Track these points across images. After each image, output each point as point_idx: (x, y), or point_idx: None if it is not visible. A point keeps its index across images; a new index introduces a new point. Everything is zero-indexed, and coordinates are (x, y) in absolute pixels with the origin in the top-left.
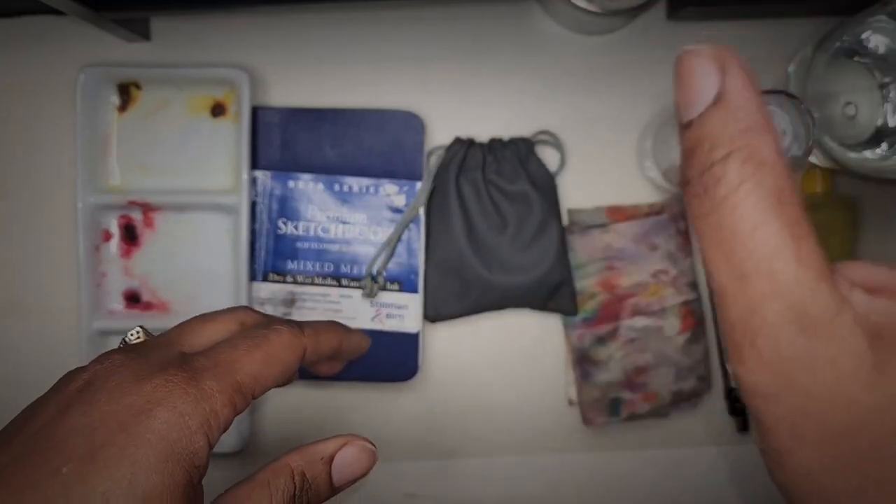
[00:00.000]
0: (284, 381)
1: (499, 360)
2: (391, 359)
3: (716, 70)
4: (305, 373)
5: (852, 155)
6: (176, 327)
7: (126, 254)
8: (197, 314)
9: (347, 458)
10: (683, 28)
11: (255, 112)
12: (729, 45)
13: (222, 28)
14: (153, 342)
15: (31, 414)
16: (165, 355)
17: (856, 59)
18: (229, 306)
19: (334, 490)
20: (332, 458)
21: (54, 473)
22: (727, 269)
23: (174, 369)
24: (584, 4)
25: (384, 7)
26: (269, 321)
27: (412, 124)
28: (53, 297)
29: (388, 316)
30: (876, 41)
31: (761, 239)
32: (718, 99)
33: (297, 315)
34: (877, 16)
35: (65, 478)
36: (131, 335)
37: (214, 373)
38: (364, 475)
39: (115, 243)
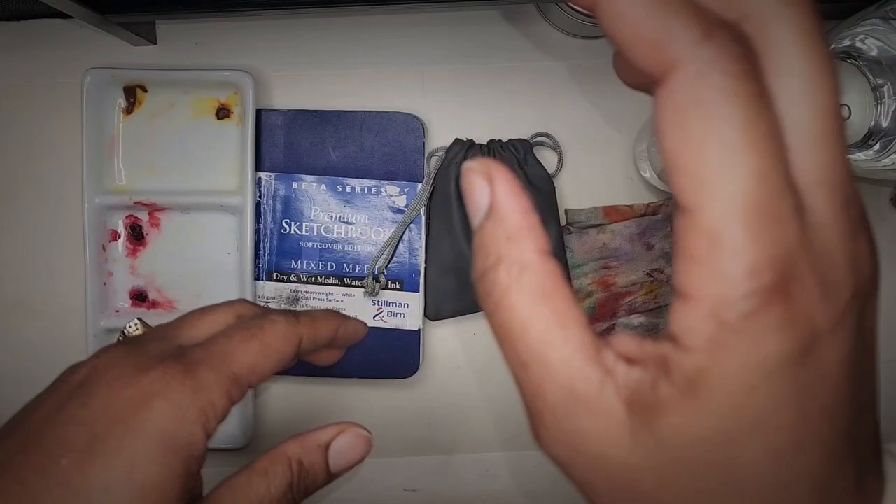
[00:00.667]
0: (281, 370)
1: (498, 358)
2: (392, 356)
3: (486, 184)
4: (307, 368)
5: None
6: (174, 320)
7: (132, 253)
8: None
9: (343, 446)
10: None
11: (260, 114)
12: (497, 162)
13: (227, 32)
14: (151, 335)
15: (32, 408)
16: (163, 348)
17: (849, 61)
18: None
19: (331, 476)
20: (328, 446)
21: (54, 464)
22: (512, 359)
23: (171, 361)
24: (581, 8)
25: (386, 11)
26: (266, 312)
27: (413, 126)
28: (60, 296)
29: (390, 314)
30: (869, 44)
31: (533, 333)
32: (489, 209)
33: None
34: (869, 19)
35: (64, 469)
36: (130, 327)
37: (211, 364)
38: (360, 461)
39: (121, 243)
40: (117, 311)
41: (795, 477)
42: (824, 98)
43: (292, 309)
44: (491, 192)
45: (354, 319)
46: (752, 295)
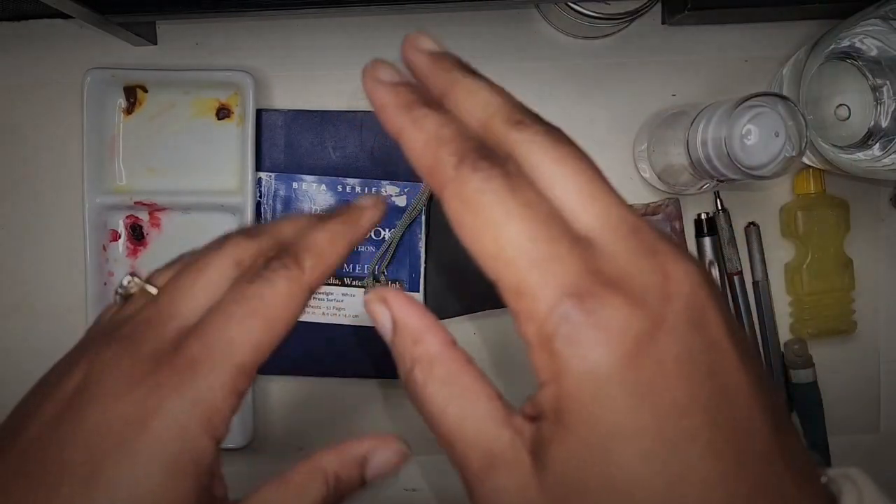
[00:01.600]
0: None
1: (500, 357)
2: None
3: (384, 308)
4: (307, 368)
5: (844, 156)
6: (168, 288)
7: (133, 253)
8: (185, 258)
9: (382, 461)
10: (679, 32)
11: (260, 114)
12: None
13: (227, 32)
14: (145, 318)
15: (25, 418)
16: (157, 344)
17: (848, 61)
18: (217, 238)
19: (363, 487)
20: (365, 459)
21: (55, 493)
22: (442, 442)
23: (167, 369)
24: (581, 9)
25: (386, 11)
26: (265, 259)
27: None
28: (61, 296)
29: None
30: (868, 44)
31: (450, 415)
32: (393, 327)
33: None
34: (869, 19)
35: (66, 498)
36: (127, 285)
37: (211, 363)
38: (394, 475)
39: (121, 243)
40: None
41: (676, 477)
42: (576, 178)
43: (293, 247)
44: (390, 312)
45: (364, 209)
46: (560, 321)
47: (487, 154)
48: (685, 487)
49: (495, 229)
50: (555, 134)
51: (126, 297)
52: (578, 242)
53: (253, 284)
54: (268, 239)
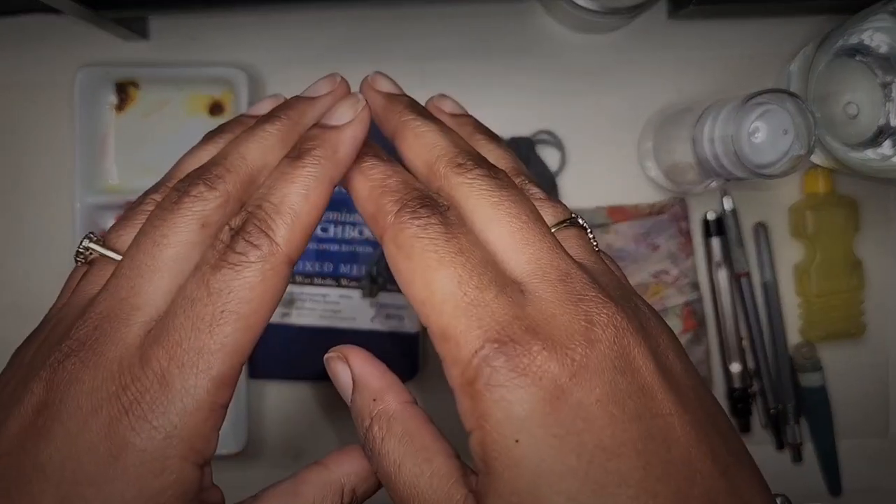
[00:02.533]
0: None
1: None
2: (391, 359)
3: (345, 366)
4: (302, 372)
5: (854, 154)
6: (127, 266)
7: None
8: (144, 202)
9: None
10: (684, 27)
11: None
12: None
13: (221, 27)
14: (104, 312)
15: None
16: (122, 351)
17: (857, 58)
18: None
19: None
20: None
21: None
22: (396, 495)
23: (133, 388)
24: (585, 3)
25: (383, 5)
26: (231, 230)
27: None
28: (51, 299)
29: (388, 316)
30: (878, 40)
31: (404, 471)
32: (354, 384)
33: (297, 317)
34: (878, 15)
35: None
36: (85, 251)
37: (182, 380)
38: None
39: None
40: None
41: None
42: (510, 223)
43: (263, 208)
44: (350, 370)
45: (339, 120)
46: (481, 364)
47: (428, 203)
48: None
49: (426, 274)
50: (495, 178)
51: (89, 262)
52: (506, 289)
53: (218, 273)
54: (233, 186)
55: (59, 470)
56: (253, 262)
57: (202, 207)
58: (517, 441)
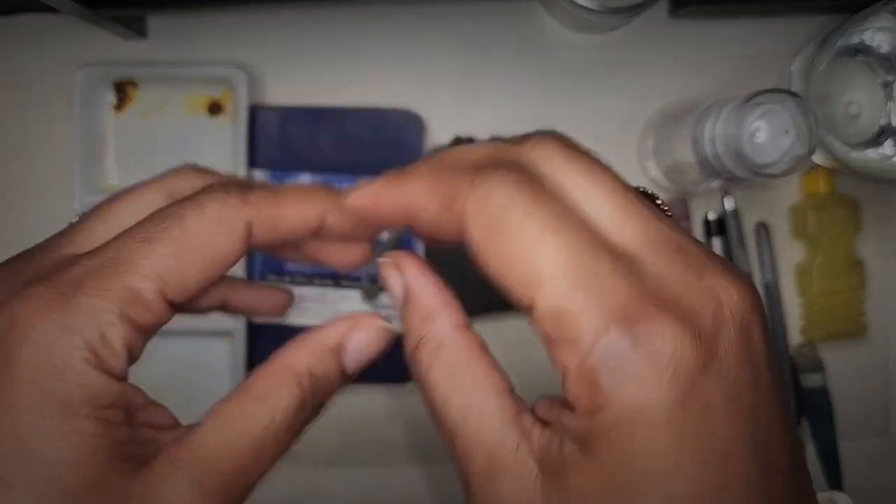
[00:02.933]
0: (225, 272)
1: (500, 363)
2: (391, 360)
3: (398, 274)
4: None
5: (855, 154)
6: (84, 216)
7: None
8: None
9: (361, 345)
10: (685, 26)
11: (253, 111)
12: (407, 253)
13: (219, 26)
14: (42, 245)
15: None
16: (40, 266)
17: (858, 57)
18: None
19: (347, 379)
20: (340, 347)
21: None
22: (442, 433)
23: (38, 288)
24: (585, 3)
25: (383, 5)
26: (204, 189)
27: (411, 123)
28: None
29: (388, 318)
30: (879, 40)
31: (453, 406)
32: (405, 294)
33: (297, 317)
34: (880, 14)
35: None
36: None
37: (94, 283)
38: (377, 356)
39: None
40: None
41: None
42: (604, 189)
43: (239, 181)
44: (403, 279)
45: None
46: (606, 353)
47: (509, 163)
48: None
49: (529, 246)
50: (565, 140)
51: None
52: (620, 259)
53: (177, 204)
54: (219, 182)
55: None
56: (215, 203)
57: (176, 183)
58: (634, 437)
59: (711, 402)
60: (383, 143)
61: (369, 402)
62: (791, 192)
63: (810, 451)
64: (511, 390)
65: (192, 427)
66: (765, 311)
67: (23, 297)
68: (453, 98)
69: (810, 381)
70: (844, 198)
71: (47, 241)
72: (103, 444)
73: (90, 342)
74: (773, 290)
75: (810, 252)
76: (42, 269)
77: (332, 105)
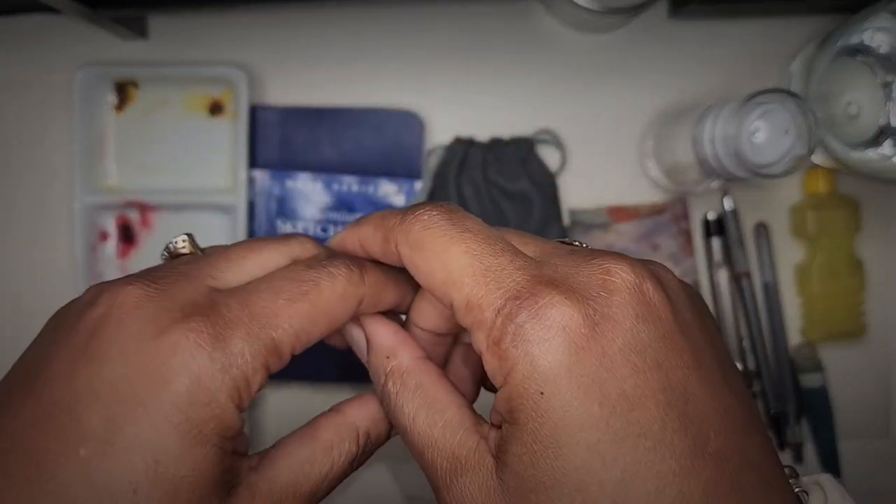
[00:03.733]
0: (332, 333)
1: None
2: None
3: (357, 328)
4: (305, 373)
5: (855, 154)
6: (216, 252)
7: (123, 254)
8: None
9: None
10: (685, 26)
11: (254, 111)
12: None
13: (220, 26)
14: (182, 271)
15: (38, 362)
16: (192, 295)
17: (858, 58)
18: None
19: (388, 439)
20: None
21: (74, 454)
22: (413, 451)
23: (199, 320)
24: (585, 3)
25: (384, 5)
26: (326, 259)
27: (411, 123)
28: (50, 299)
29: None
30: (879, 40)
31: (419, 424)
32: (368, 346)
33: None
34: (880, 14)
35: (84, 461)
36: (176, 242)
37: (248, 330)
38: None
39: (112, 244)
40: None
41: (628, 471)
42: (507, 230)
43: (355, 259)
44: (364, 330)
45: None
46: (505, 322)
47: (427, 204)
48: (637, 483)
49: (441, 256)
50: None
51: (174, 256)
52: (520, 254)
53: (312, 269)
54: (331, 253)
55: (110, 391)
56: (343, 277)
57: (300, 249)
58: (542, 393)
59: (608, 355)
60: (383, 143)
61: None
62: (791, 192)
63: (810, 452)
64: (469, 405)
65: (263, 456)
66: (664, 283)
67: (186, 329)
68: (453, 98)
69: (810, 381)
70: (844, 198)
71: (182, 264)
72: (217, 470)
73: (237, 382)
74: (772, 290)
75: (810, 252)
76: (196, 301)
77: (332, 105)
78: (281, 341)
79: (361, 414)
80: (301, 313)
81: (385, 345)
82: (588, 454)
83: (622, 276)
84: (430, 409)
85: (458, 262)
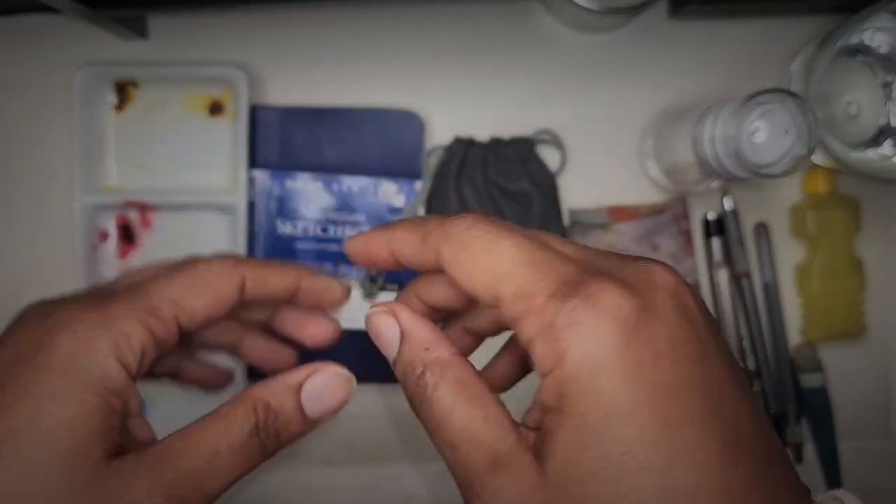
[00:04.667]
0: (224, 313)
1: None
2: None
3: (392, 320)
4: None
5: (855, 154)
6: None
7: (123, 254)
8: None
9: (318, 386)
10: (685, 26)
11: (254, 111)
12: (399, 303)
13: (220, 26)
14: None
15: None
16: (95, 290)
17: (858, 58)
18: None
19: (308, 422)
20: (300, 387)
21: None
22: (443, 444)
23: (81, 301)
24: (585, 3)
25: (384, 5)
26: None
27: (411, 123)
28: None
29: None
30: (878, 40)
31: (457, 416)
32: (402, 337)
33: None
34: (880, 14)
35: None
36: None
37: (124, 296)
38: (341, 406)
39: (112, 244)
40: None
41: (675, 456)
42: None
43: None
44: (398, 324)
45: (326, 276)
46: (558, 307)
47: (468, 213)
48: (683, 469)
49: (488, 251)
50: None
51: None
52: (564, 255)
53: (188, 260)
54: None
55: (2, 361)
56: (215, 262)
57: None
58: (593, 376)
59: (655, 343)
60: (383, 143)
61: (367, 401)
62: (791, 192)
63: (810, 452)
64: (505, 406)
65: (161, 440)
66: (694, 290)
67: (69, 306)
68: (453, 98)
69: (810, 381)
70: (844, 198)
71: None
72: (98, 419)
73: (116, 338)
74: (772, 290)
75: (810, 252)
76: (85, 292)
77: (332, 105)
78: (157, 304)
79: (260, 387)
80: (177, 284)
81: (424, 337)
82: (637, 439)
83: (664, 276)
84: (471, 403)
85: (508, 255)
